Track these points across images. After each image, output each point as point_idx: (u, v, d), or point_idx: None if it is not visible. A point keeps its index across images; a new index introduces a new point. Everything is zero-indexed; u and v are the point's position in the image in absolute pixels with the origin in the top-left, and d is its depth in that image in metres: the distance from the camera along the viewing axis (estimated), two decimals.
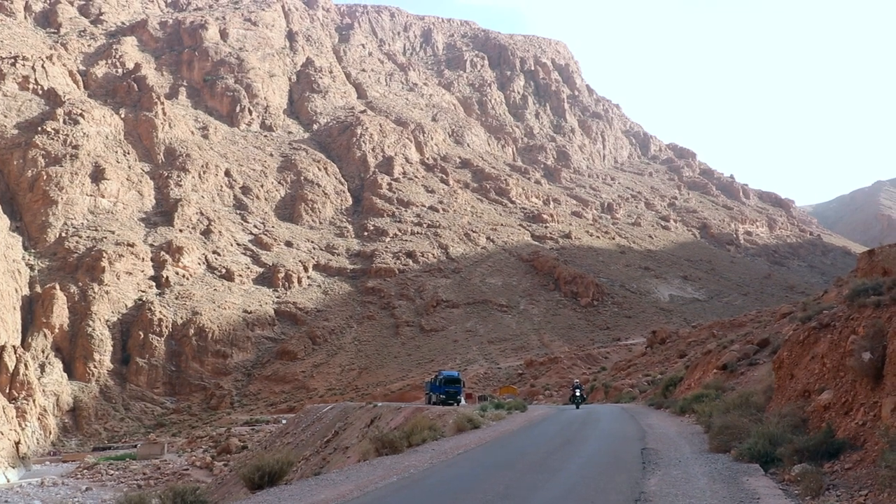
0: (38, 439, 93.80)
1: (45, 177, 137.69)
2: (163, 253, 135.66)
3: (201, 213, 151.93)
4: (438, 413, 35.47)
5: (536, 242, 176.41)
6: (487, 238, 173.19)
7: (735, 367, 31.29)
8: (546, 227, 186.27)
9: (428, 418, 31.17)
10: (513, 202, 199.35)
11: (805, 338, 17.21)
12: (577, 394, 47.13)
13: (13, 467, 72.26)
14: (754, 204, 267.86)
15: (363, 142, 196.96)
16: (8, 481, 67.00)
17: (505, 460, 17.64)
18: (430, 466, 17.16)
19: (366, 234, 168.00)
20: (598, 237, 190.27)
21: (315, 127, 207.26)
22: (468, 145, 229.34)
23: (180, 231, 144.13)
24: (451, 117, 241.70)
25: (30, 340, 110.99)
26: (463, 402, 51.23)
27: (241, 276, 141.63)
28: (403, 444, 21.99)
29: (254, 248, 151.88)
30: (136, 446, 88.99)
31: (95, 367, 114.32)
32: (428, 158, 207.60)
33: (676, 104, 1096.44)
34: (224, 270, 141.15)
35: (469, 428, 27.68)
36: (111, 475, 69.57)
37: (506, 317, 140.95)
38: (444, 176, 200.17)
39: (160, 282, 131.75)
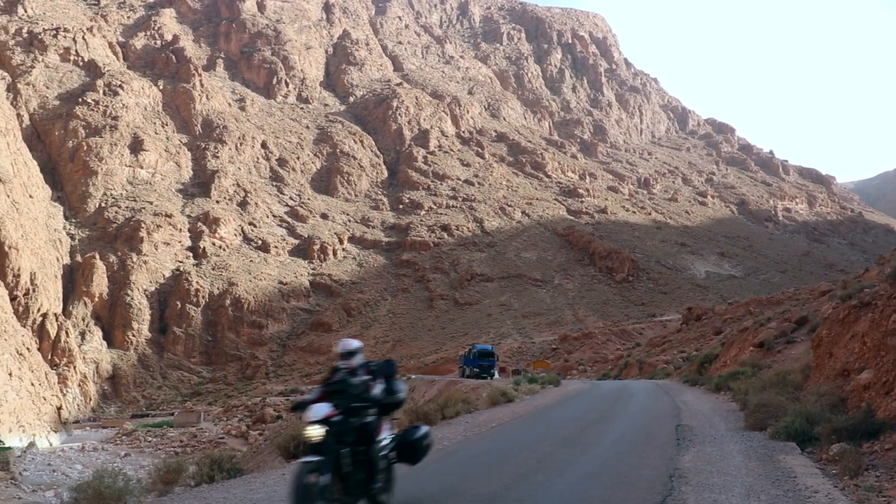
0: (78, 405, 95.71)
1: (85, 147, 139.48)
2: (200, 224, 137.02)
3: (238, 185, 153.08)
4: (472, 386, 35.60)
5: (572, 217, 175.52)
6: (523, 212, 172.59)
7: (772, 345, 31.00)
8: (582, 202, 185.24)
9: (461, 391, 31.30)
10: (549, 176, 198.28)
11: (845, 316, 16.98)
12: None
13: (55, 432, 73.78)
14: (794, 180, 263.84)
15: (399, 115, 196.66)
16: (50, 445, 68.43)
17: (539, 434, 17.65)
18: (463, 439, 17.22)
19: (401, 206, 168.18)
20: (634, 212, 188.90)
21: (351, 99, 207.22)
22: (504, 119, 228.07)
23: (217, 202, 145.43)
24: (487, 90, 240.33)
25: (70, 308, 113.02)
26: (496, 375, 51.44)
27: (276, 247, 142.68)
28: (437, 417, 22.08)
29: (289, 219, 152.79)
30: (173, 414, 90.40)
31: (134, 335, 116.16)
32: (464, 132, 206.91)
33: (715, 78, 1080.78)
34: (260, 242, 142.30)
35: (503, 402, 27.75)
36: (149, 442, 70.75)
37: (540, 291, 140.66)
38: (479, 149, 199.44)
39: (197, 252, 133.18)
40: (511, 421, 21.22)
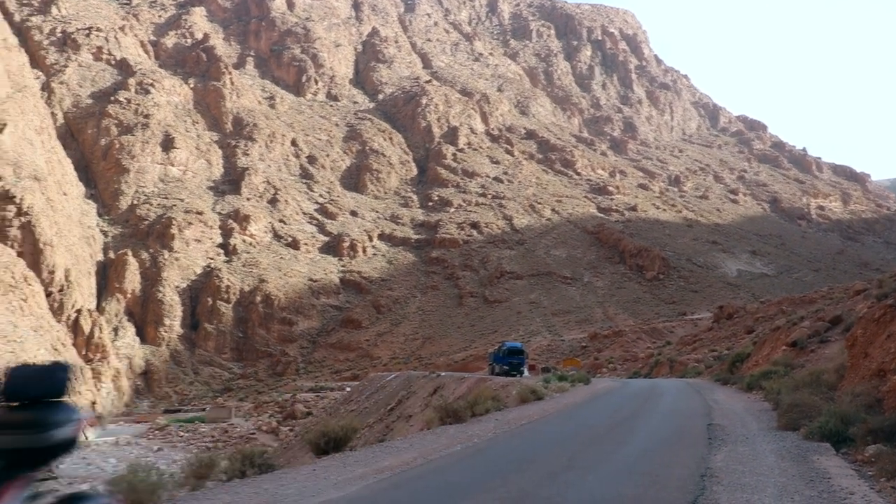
0: (112, 400, 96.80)
1: (117, 145, 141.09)
2: (230, 221, 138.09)
3: (268, 182, 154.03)
4: (501, 384, 35.50)
5: (602, 215, 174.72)
6: (552, 210, 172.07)
7: (805, 345, 30.64)
8: (612, 200, 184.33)
9: (491, 389, 31.26)
10: (578, 174, 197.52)
11: (881, 315, 16.74)
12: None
13: (90, 426, 74.72)
14: (827, 178, 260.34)
15: (428, 112, 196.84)
16: (85, 439, 69.14)
17: (569, 432, 17.59)
18: (493, 436, 17.20)
19: (430, 204, 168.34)
20: (664, 210, 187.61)
21: (380, 97, 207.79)
22: (533, 116, 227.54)
23: (247, 200, 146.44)
24: (516, 88, 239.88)
25: (104, 305, 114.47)
26: (526, 373, 51.27)
27: (306, 244, 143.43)
28: (467, 414, 22.05)
29: (319, 217, 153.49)
30: (204, 409, 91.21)
31: (166, 331, 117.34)
32: (493, 129, 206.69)
33: (747, 75, 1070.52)
34: (290, 239, 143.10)
35: (532, 399, 27.65)
36: (181, 437, 71.48)
37: (570, 289, 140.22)
38: (509, 147, 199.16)
39: (228, 249, 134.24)
40: (541, 419, 21.15)
